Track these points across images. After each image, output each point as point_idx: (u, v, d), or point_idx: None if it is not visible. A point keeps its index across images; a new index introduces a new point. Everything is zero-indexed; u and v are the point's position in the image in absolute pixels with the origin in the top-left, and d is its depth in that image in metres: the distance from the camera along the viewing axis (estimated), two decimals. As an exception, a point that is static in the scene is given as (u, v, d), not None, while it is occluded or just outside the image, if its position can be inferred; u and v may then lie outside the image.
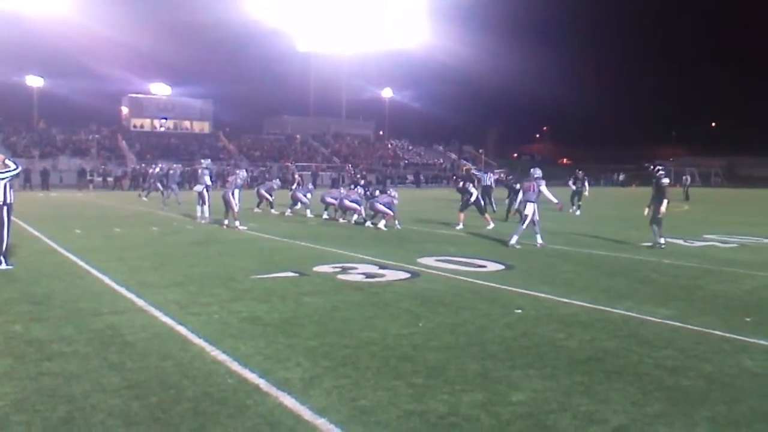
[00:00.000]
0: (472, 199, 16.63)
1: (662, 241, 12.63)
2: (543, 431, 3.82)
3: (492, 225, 16.32)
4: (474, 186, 17.42)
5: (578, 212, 22.94)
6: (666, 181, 12.93)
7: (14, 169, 9.60)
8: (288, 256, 11.11)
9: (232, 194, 16.05)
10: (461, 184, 17.77)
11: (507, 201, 19.47)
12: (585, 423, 3.92)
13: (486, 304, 7.26)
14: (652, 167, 13.95)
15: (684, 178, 38.85)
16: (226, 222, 16.35)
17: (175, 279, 8.70)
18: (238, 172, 18.18)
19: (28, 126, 63.20)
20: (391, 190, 18.26)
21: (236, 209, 16.05)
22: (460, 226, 16.23)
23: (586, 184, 24.51)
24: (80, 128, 63.58)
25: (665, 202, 12.64)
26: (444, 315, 6.71)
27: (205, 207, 17.95)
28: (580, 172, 25.16)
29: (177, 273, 9.21)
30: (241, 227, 15.69)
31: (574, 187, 24.24)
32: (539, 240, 12.81)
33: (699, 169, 75.28)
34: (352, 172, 44.82)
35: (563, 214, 22.69)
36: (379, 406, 4.15)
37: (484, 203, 21.11)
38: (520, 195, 13.39)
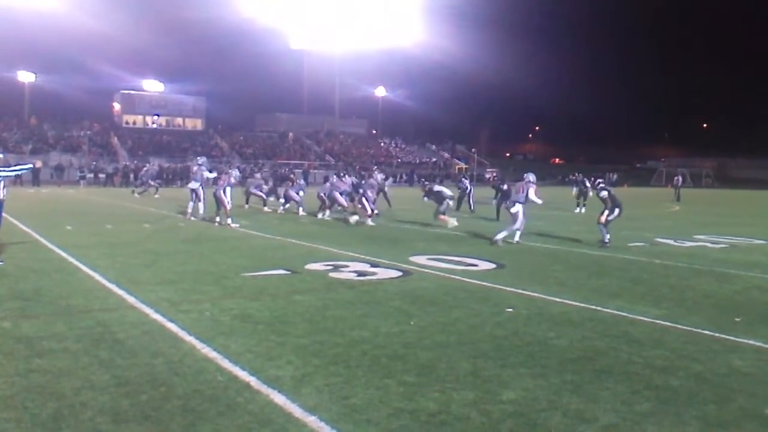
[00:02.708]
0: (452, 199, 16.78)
1: (606, 239, 13.01)
2: (533, 430, 3.83)
3: (455, 223, 16.17)
4: (441, 186, 17.42)
5: (583, 210, 23.87)
6: (604, 194, 13.47)
7: (13, 170, 9.82)
8: (280, 254, 11.09)
9: (224, 192, 16.07)
10: (427, 187, 17.59)
11: (495, 202, 19.50)
12: (575, 421, 3.94)
13: (477, 302, 7.27)
14: (593, 179, 14.71)
15: (675, 179, 39.10)
16: (218, 219, 16.32)
17: (167, 276, 8.67)
18: (231, 170, 18.16)
19: (19, 122, 62.83)
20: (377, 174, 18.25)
21: (228, 207, 16.06)
22: (455, 223, 16.21)
23: (588, 184, 25.17)
24: (72, 124, 63.29)
25: (606, 212, 13.21)
26: (435, 314, 6.72)
27: (200, 204, 17.96)
28: (579, 174, 25.85)
29: (168, 270, 9.17)
30: (233, 225, 15.67)
31: (575, 190, 25.38)
32: (517, 237, 13.18)
33: (690, 170, 75.70)
34: (343, 173, 44.76)
35: (558, 213, 22.81)
36: (370, 404, 4.15)
37: (460, 204, 22.85)
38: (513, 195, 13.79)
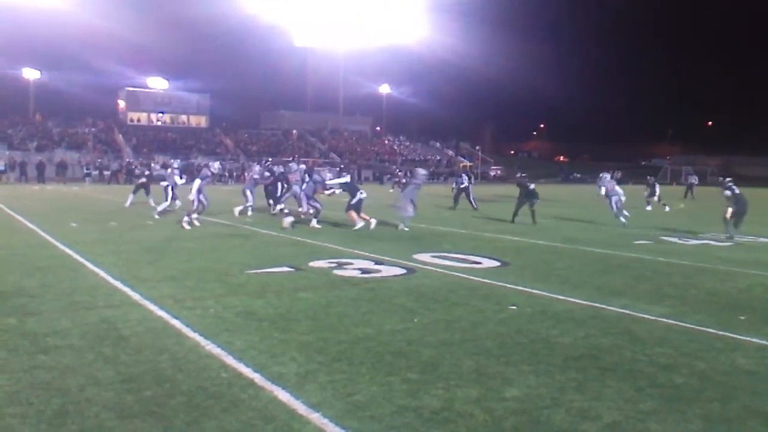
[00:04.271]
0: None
1: (730, 234, 14.22)
2: (536, 427, 3.83)
3: (360, 225, 14.66)
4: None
5: (667, 208, 25.00)
6: (727, 193, 14.54)
7: None
8: (283, 251, 11.10)
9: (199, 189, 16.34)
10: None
11: (516, 202, 18.09)
12: (578, 419, 3.94)
13: (481, 300, 7.28)
14: (723, 178, 16.39)
15: (690, 177, 39.41)
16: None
17: (170, 273, 8.70)
18: (204, 168, 18.30)
19: (24, 119, 63.01)
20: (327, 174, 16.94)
21: (193, 205, 16.08)
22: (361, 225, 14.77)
23: (657, 189, 26.27)
24: (77, 121, 63.45)
25: (729, 209, 14.33)
26: (439, 311, 6.72)
27: (169, 203, 17.84)
28: (651, 178, 27.13)
29: (172, 267, 9.20)
30: (195, 222, 15.21)
31: (646, 192, 26.44)
32: (623, 219, 16.47)
33: (695, 167, 75.33)
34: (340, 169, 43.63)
35: (564, 211, 22.80)
36: (374, 401, 4.16)
37: (456, 202, 22.90)
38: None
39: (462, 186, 23.37)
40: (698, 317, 6.64)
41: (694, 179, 38.52)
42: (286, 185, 17.84)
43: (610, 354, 5.30)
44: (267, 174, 20.31)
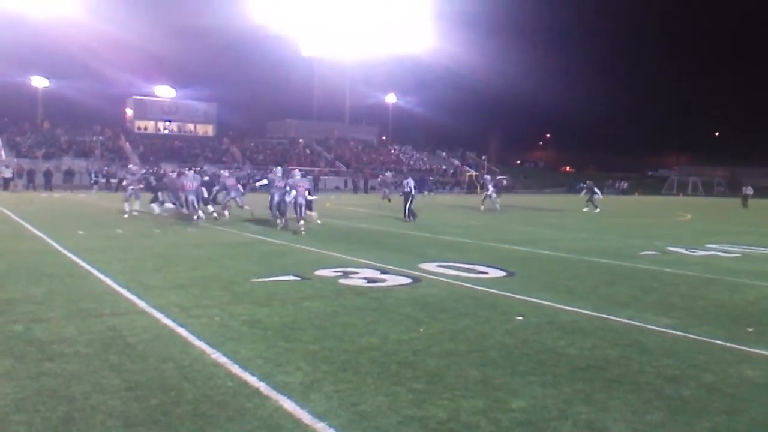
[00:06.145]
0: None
1: None
2: (543, 439, 3.81)
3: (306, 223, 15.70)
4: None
5: (585, 209, 28.38)
6: None
7: None
8: (289, 260, 11.11)
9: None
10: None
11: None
12: (585, 431, 3.91)
13: (487, 310, 7.25)
14: None
15: (744, 188, 40.25)
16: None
17: (177, 281, 8.71)
18: (130, 167, 19.62)
19: (32, 126, 63.36)
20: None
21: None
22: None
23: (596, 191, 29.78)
24: (84, 129, 63.77)
25: None
26: (445, 321, 6.70)
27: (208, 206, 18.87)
28: (590, 182, 30.39)
29: (178, 275, 9.21)
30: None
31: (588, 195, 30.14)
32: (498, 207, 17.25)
33: (702, 178, 75.10)
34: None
35: (570, 221, 22.74)
36: (379, 411, 4.14)
37: (407, 209, 21.12)
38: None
39: (405, 191, 21.45)
40: (706, 329, 6.60)
41: (749, 190, 39.11)
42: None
43: (617, 365, 5.27)
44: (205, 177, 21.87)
